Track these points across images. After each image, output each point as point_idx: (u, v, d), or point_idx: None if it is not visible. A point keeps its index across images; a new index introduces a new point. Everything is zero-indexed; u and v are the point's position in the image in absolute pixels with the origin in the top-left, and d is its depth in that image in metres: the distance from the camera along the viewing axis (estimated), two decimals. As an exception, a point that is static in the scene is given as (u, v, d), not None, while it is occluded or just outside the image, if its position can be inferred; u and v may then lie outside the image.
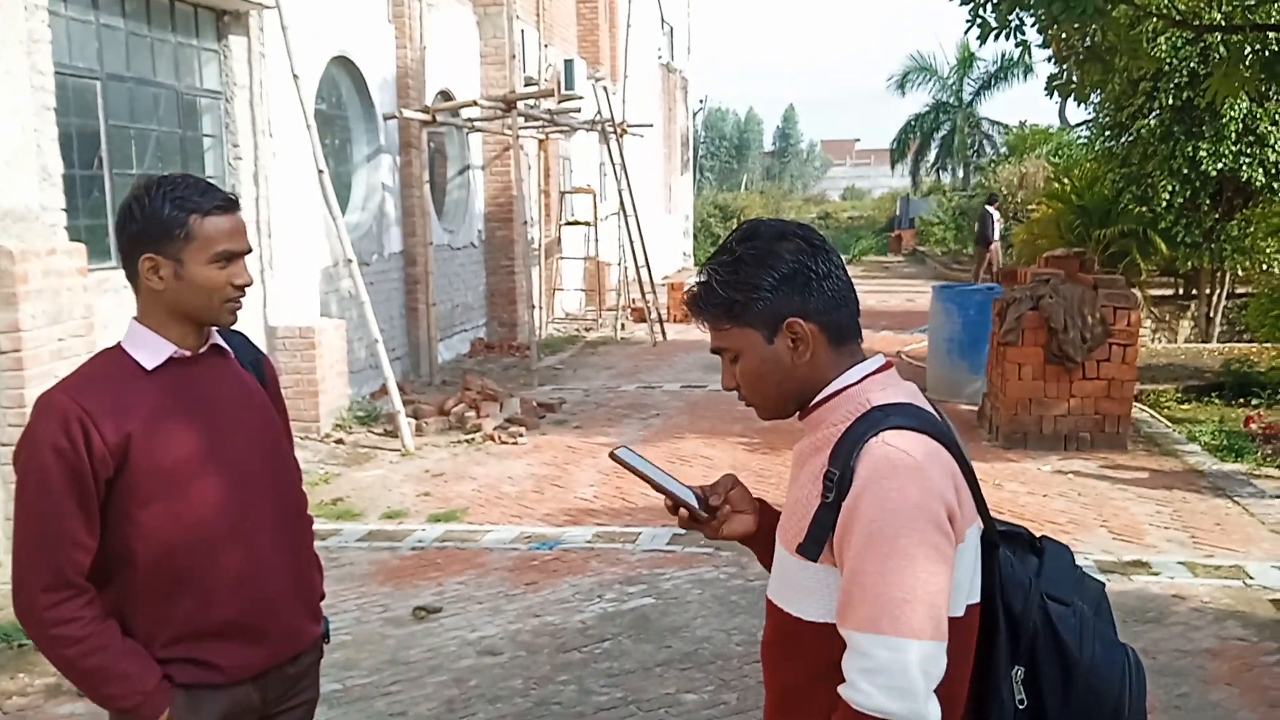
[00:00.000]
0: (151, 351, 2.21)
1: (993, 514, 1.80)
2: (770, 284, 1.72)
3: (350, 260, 9.75)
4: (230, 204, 2.23)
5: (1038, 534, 1.92)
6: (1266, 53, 8.93)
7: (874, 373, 1.76)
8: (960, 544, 1.62)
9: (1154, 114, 14.38)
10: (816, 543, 1.66)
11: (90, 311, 6.86)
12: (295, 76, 9.23)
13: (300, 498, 2.47)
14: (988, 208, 22.43)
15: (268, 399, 2.42)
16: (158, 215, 2.16)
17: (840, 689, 1.59)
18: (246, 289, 2.26)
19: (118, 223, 2.25)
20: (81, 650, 2.11)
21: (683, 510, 1.90)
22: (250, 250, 2.29)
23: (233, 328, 2.38)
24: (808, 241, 1.75)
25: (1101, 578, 5.72)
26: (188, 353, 2.25)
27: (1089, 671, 1.68)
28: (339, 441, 9.22)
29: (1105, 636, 1.76)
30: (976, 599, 1.69)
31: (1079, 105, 12.80)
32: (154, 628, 2.19)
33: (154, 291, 2.20)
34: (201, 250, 2.17)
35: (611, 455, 1.97)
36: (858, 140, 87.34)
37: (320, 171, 9.50)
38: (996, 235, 21.86)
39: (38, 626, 2.12)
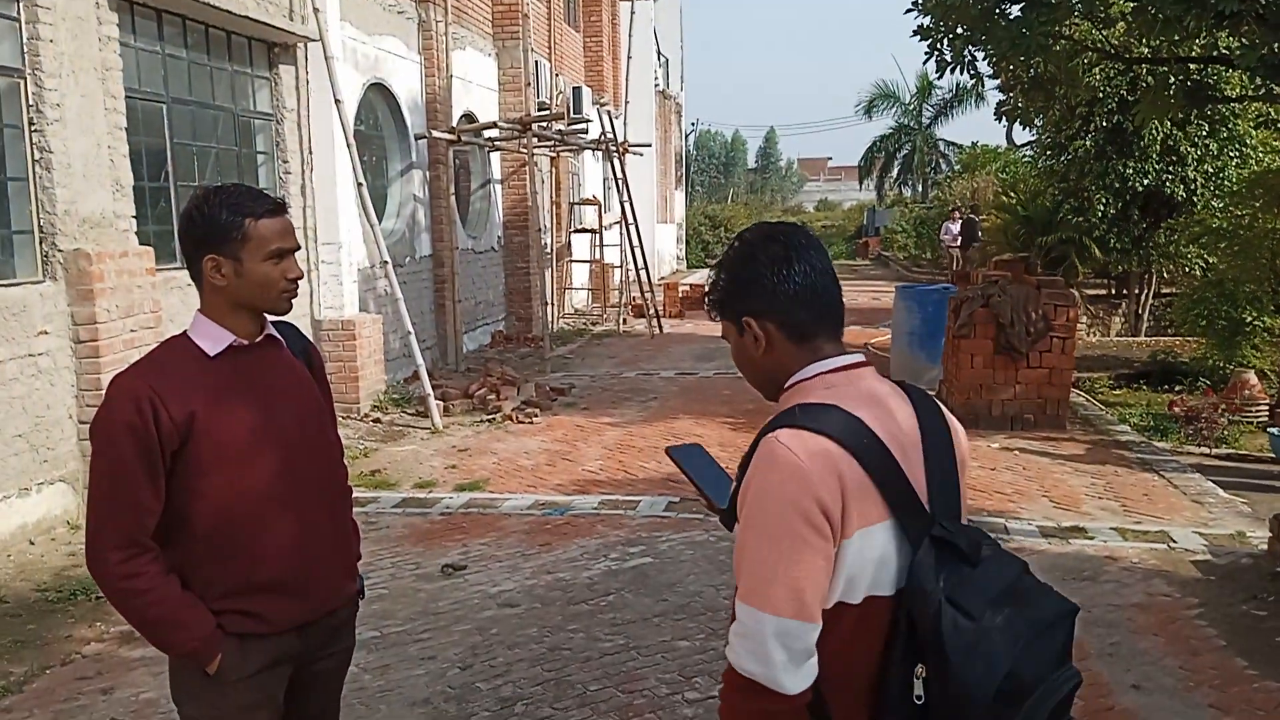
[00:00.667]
0: (213, 340, 2.20)
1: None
2: (735, 285, 1.73)
3: (386, 262, 9.72)
4: (279, 207, 2.23)
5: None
6: (1189, 82, 8.89)
7: (829, 372, 1.70)
8: (846, 539, 1.56)
9: (1089, 136, 14.37)
10: (731, 517, 1.69)
11: (157, 306, 6.85)
12: (338, 101, 9.19)
13: (341, 471, 2.43)
14: (973, 216, 22.43)
15: (314, 383, 2.39)
16: (217, 220, 2.15)
17: (726, 647, 1.62)
18: (298, 281, 2.25)
19: (181, 228, 2.24)
20: (146, 601, 2.10)
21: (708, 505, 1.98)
22: (299, 247, 2.28)
23: (285, 319, 2.37)
24: (783, 247, 1.71)
25: (1043, 542, 5.74)
26: (245, 341, 2.23)
27: (963, 685, 1.54)
28: (376, 421, 9.20)
29: (995, 657, 1.55)
30: (883, 593, 1.61)
31: (1024, 128, 12.75)
32: (209, 583, 2.17)
33: (216, 287, 2.19)
34: (257, 249, 2.16)
35: (666, 451, 2.05)
36: (830, 158, 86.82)
37: (359, 185, 9.46)
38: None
39: (108, 580, 2.10)
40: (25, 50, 5.98)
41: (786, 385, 1.73)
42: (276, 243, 2.18)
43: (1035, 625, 1.59)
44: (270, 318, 2.31)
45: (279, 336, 2.34)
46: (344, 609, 2.39)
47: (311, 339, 3.71)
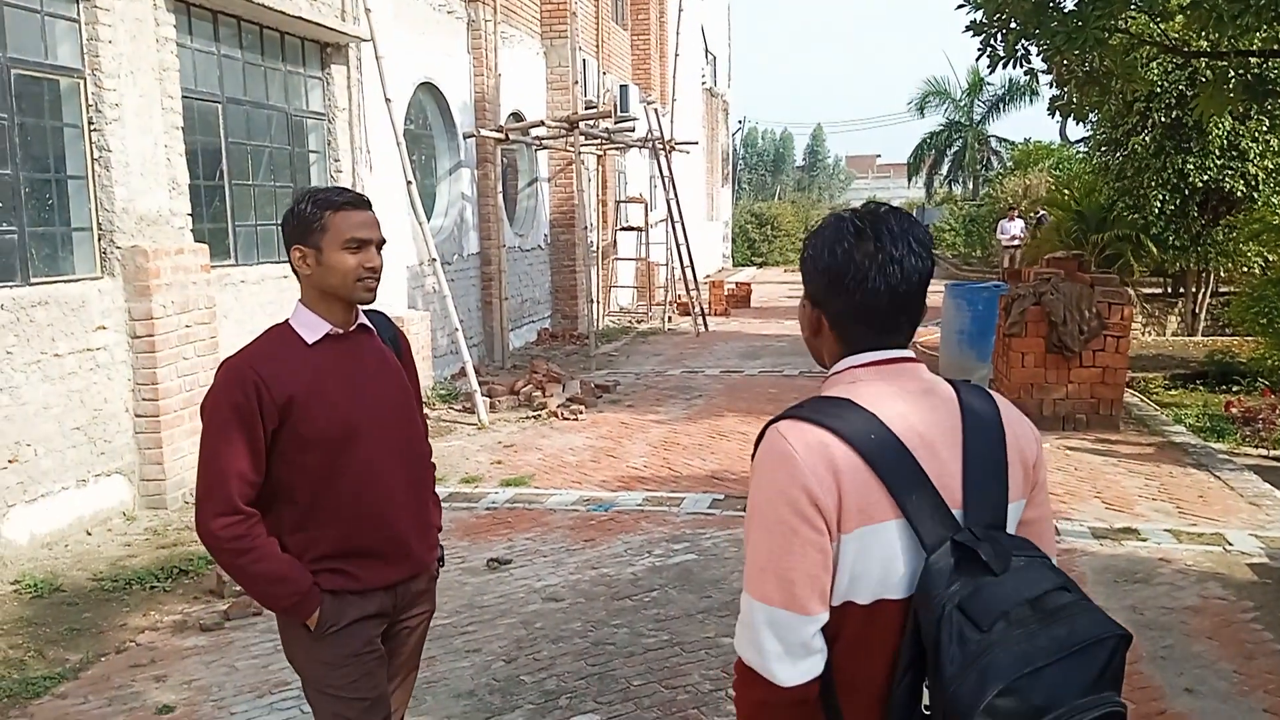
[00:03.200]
0: (311, 329, 2.39)
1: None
2: (809, 263, 1.68)
3: (434, 260, 9.82)
4: (360, 202, 2.39)
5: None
6: (1248, 76, 8.72)
7: (860, 366, 1.64)
8: (845, 534, 1.52)
9: (1146, 131, 14.12)
10: None
11: (212, 303, 6.97)
12: (388, 100, 9.29)
13: (425, 449, 2.64)
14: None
15: (402, 368, 2.57)
16: (303, 214, 2.36)
17: None
18: (377, 270, 2.39)
19: (281, 225, 2.44)
20: (251, 559, 2.28)
21: None
22: (382, 240, 2.41)
23: (375, 309, 2.57)
24: (857, 246, 1.61)
25: (1095, 543, 5.64)
26: (340, 330, 2.41)
27: (952, 697, 1.46)
28: (424, 416, 9.28)
29: (990, 673, 1.44)
30: (894, 596, 1.54)
31: (1078, 124, 12.58)
32: (307, 547, 2.36)
33: (306, 276, 2.37)
34: (335, 238, 2.33)
35: None
36: (878, 156, 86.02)
37: (409, 183, 9.56)
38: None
39: (215, 542, 2.28)
40: (85, 51, 6.13)
41: (826, 375, 1.71)
42: (353, 232, 2.34)
43: (1062, 645, 1.46)
44: (362, 307, 2.49)
45: (370, 325, 2.52)
46: (424, 575, 2.58)
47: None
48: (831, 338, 1.68)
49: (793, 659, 1.52)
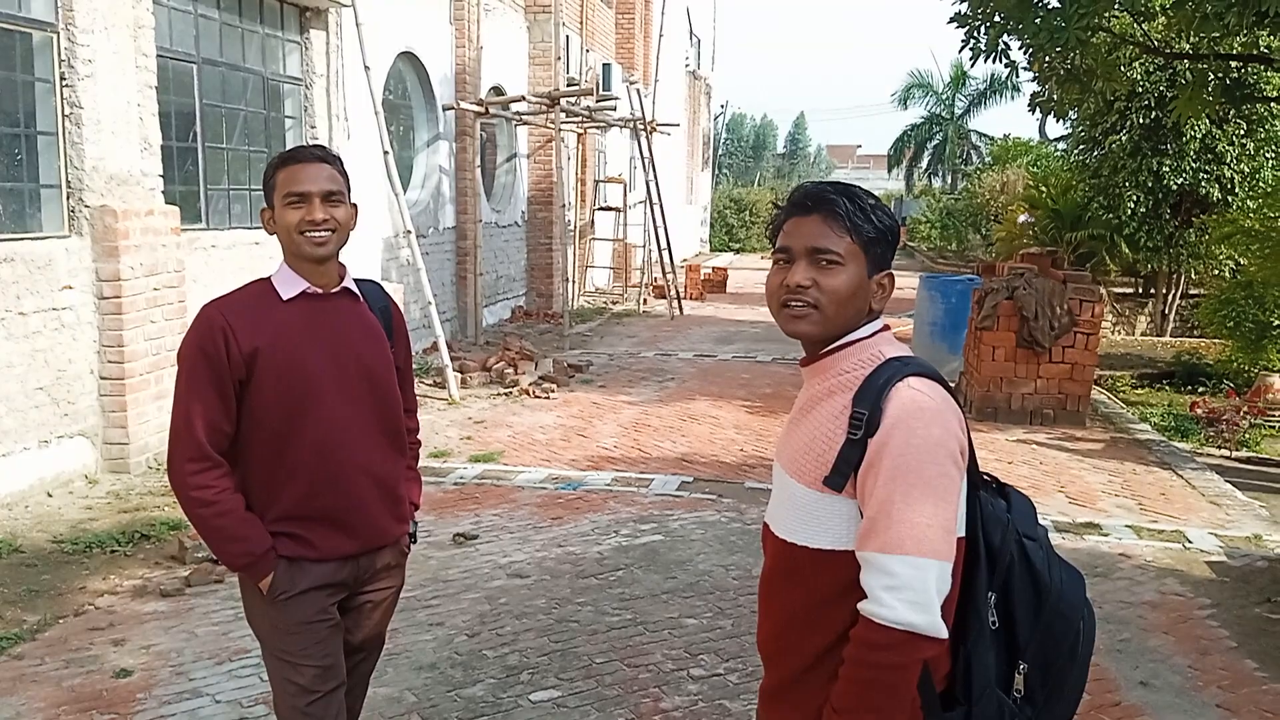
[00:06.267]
0: (289, 286, 2.38)
1: None
2: (891, 239, 1.75)
3: (409, 232, 9.75)
4: (308, 155, 2.36)
5: None
6: (1228, 80, 8.80)
7: (879, 331, 1.77)
8: (962, 480, 1.64)
9: (1125, 131, 14.23)
10: (842, 476, 1.63)
11: (181, 266, 6.89)
12: (367, 68, 9.20)
13: (404, 422, 2.58)
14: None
15: (385, 338, 2.53)
16: (265, 174, 2.40)
17: (862, 605, 1.58)
18: (319, 223, 2.33)
19: None
20: (212, 511, 2.30)
21: None
22: (329, 192, 2.35)
23: (370, 279, 2.58)
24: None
25: (1057, 536, 5.71)
26: (319, 290, 2.40)
27: (1058, 596, 1.71)
28: (393, 390, 9.23)
29: (1068, 565, 1.78)
30: (962, 533, 1.67)
31: (1058, 121, 12.68)
32: (265, 505, 2.37)
33: (274, 235, 2.39)
34: (278, 195, 2.34)
35: None
36: (859, 146, 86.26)
37: (386, 153, 9.48)
38: None
39: (181, 488, 2.31)
40: (59, 4, 6.01)
41: (840, 343, 1.74)
42: (290, 187, 2.33)
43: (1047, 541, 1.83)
44: (356, 275, 2.50)
45: (357, 291, 2.49)
46: (388, 550, 2.55)
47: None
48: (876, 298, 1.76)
49: (939, 610, 1.58)
